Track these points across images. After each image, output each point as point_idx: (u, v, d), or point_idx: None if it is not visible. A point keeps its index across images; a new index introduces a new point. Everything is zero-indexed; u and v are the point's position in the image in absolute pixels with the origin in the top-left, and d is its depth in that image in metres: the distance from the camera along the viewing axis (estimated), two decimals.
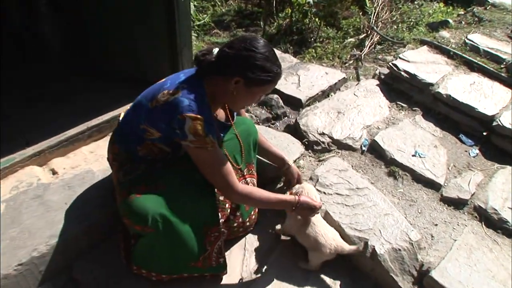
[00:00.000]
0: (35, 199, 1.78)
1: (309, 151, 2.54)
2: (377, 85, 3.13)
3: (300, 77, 3.15)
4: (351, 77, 3.41)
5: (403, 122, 2.77)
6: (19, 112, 2.37)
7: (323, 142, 2.55)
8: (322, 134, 2.59)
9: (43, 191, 1.83)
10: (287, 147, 2.46)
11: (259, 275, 1.94)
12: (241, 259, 2.01)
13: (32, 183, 1.87)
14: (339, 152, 2.54)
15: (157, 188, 1.50)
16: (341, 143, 2.56)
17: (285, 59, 3.48)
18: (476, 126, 2.72)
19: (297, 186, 2.01)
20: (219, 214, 1.67)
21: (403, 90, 3.05)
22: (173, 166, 1.61)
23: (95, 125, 2.24)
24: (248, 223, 2.06)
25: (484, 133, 2.68)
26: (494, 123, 2.64)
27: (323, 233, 1.91)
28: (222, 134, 1.75)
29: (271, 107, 2.84)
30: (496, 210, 2.18)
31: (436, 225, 2.12)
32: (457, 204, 2.25)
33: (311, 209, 1.81)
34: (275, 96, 2.89)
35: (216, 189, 1.63)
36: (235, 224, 1.96)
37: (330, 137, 2.57)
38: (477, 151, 2.61)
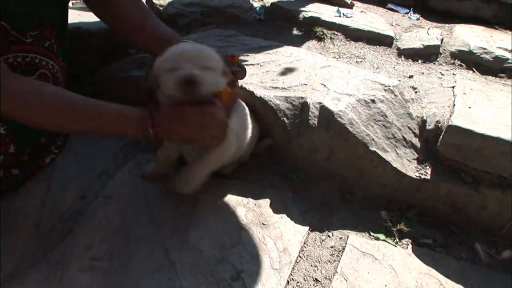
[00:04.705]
0: None
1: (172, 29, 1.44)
2: None
3: None
4: None
5: None
6: None
7: (193, 13, 1.48)
8: (189, 4, 1.52)
9: None
10: None
11: None
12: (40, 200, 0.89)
13: None
14: (223, 27, 1.48)
15: None
16: (222, 12, 1.52)
17: None
18: None
19: None
20: None
21: None
22: None
23: None
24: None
25: None
26: None
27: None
28: None
29: None
30: (485, 48, 1.33)
31: (411, 76, 1.17)
32: (426, 55, 1.35)
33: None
34: None
35: None
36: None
37: (203, 5, 1.52)
38: (418, 15, 1.81)
